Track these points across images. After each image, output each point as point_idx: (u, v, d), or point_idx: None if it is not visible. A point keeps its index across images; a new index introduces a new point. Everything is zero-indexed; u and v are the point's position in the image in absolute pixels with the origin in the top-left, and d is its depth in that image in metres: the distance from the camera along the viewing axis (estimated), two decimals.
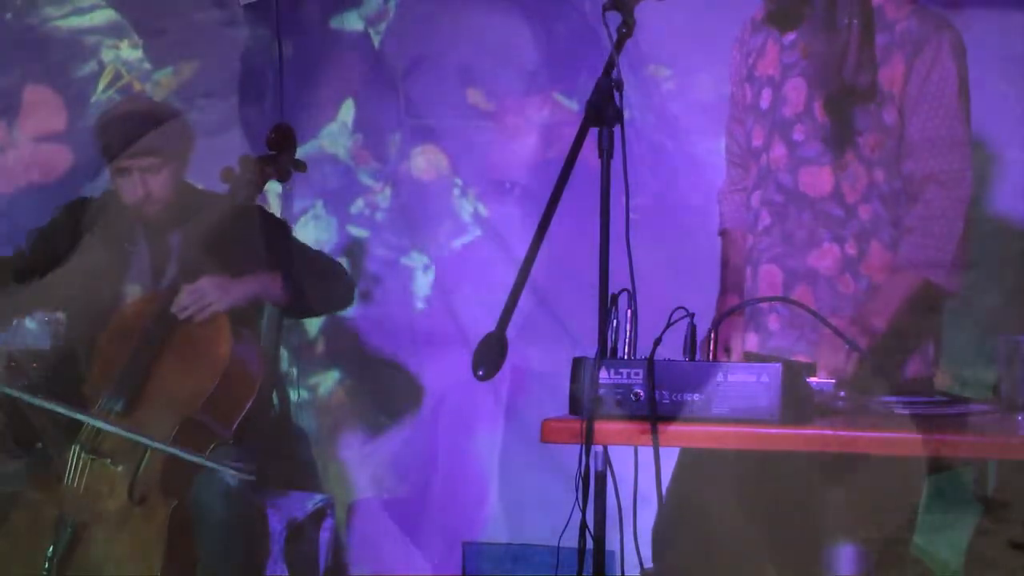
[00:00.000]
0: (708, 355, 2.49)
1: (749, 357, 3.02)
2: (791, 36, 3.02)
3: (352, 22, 4.83)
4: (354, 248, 4.80)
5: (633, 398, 2.25)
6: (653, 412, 2.22)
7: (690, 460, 2.89)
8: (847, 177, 2.93)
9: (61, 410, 3.48)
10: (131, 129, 3.72)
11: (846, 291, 2.95)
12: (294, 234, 4.16)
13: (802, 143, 2.97)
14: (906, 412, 2.52)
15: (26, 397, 3.48)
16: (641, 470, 2.32)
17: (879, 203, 2.93)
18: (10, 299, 3.81)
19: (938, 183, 2.87)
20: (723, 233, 3.26)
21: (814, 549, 2.73)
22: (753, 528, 2.91)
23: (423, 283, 4.76)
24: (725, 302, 3.15)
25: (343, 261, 4.79)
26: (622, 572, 2.44)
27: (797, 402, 2.27)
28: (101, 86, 4.99)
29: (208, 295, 3.64)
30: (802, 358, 2.91)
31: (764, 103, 3.04)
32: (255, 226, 3.91)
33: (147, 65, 4.99)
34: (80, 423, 3.54)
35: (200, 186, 3.95)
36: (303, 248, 4.02)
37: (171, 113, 3.86)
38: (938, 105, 2.87)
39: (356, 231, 4.82)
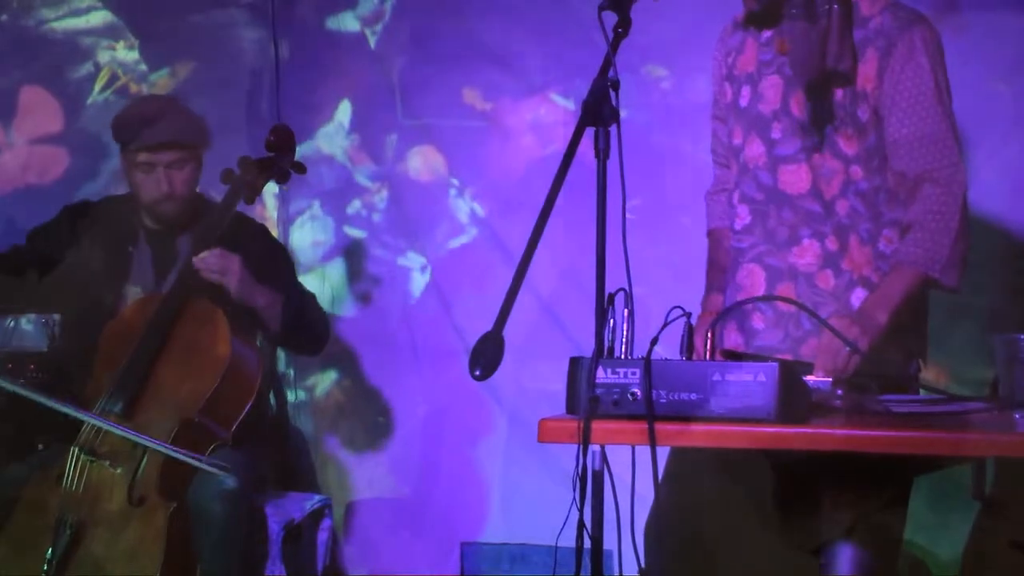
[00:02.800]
0: (705, 355, 2.49)
1: (733, 357, 3.02)
2: (767, 33, 3.02)
3: (348, 23, 4.83)
4: (351, 249, 4.81)
5: (630, 397, 2.24)
6: (650, 411, 2.22)
7: (681, 458, 2.90)
8: (824, 173, 2.94)
9: (68, 410, 3.49)
10: (157, 122, 3.73)
11: (825, 287, 2.95)
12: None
13: (780, 141, 2.98)
14: (903, 410, 2.52)
15: (33, 395, 3.47)
16: (638, 469, 2.32)
17: (856, 199, 2.93)
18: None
19: (932, 181, 2.87)
20: (710, 233, 3.27)
21: (806, 547, 2.73)
22: (743, 526, 2.91)
23: (420, 283, 4.76)
24: (711, 301, 3.16)
25: (340, 262, 4.80)
26: (620, 571, 2.45)
27: (794, 401, 2.27)
28: (97, 87, 4.99)
29: (228, 262, 3.65)
30: (788, 357, 2.91)
31: (743, 101, 3.05)
32: (263, 246, 3.91)
33: (143, 66, 4.99)
34: (79, 425, 3.54)
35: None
36: (300, 283, 4.02)
37: (194, 113, 3.86)
38: (915, 103, 2.87)
39: (353, 232, 4.83)
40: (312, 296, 4.01)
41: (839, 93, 2.91)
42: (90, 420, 3.49)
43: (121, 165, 3.90)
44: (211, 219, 3.78)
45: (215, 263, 3.66)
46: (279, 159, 3.96)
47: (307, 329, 3.91)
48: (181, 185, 3.79)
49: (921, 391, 2.96)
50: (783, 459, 2.56)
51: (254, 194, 3.90)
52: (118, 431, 3.46)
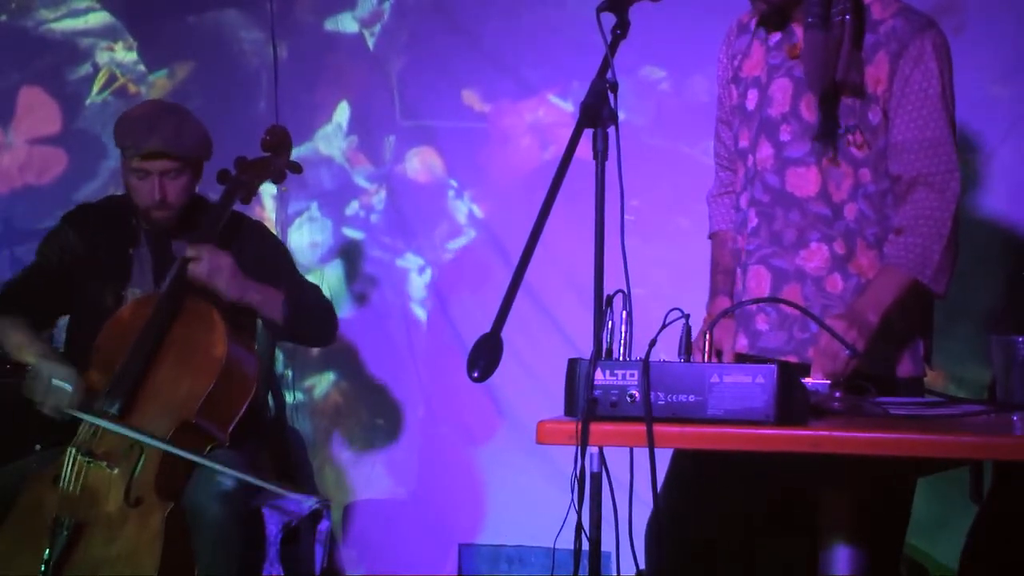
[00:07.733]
0: (703, 356, 2.49)
1: (739, 359, 3.02)
2: (776, 37, 3.01)
3: (347, 24, 4.84)
4: (349, 250, 4.81)
5: (628, 399, 2.24)
6: (648, 413, 2.22)
7: (683, 461, 2.90)
8: (833, 177, 2.93)
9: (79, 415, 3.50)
10: (155, 130, 3.70)
11: (833, 291, 2.94)
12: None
13: (789, 143, 2.97)
14: (901, 412, 2.52)
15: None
16: (636, 471, 2.32)
17: (864, 202, 2.93)
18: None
19: (926, 185, 2.86)
20: (713, 236, 3.26)
21: (806, 549, 2.74)
22: (744, 528, 2.91)
23: (418, 285, 4.76)
24: (716, 305, 3.15)
25: (338, 263, 4.80)
26: (618, 573, 2.45)
27: (792, 403, 2.27)
28: (96, 88, 5.00)
29: (218, 261, 3.64)
30: (792, 359, 2.91)
31: (750, 104, 3.04)
32: (261, 243, 3.90)
33: (142, 67, 5.00)
34: (76, 426, 3.54)
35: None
36: (300, 275, 3.99)
37: (196, 122, 3.83)
38: (921, 106, 2.86)
39: (351, 233, 4.83)
40: (316, 287, 3.98)
41: (850, 98, 2.91)
42: (90, 420, 3.49)
43: (120, 166, 3.89)
44: (208, 220, 3.77)
45: (203, 264, 3.63)
46: (275, 159, 3.95)
47: (312, 320, 3.87)
48: (174, 194, 3.75)
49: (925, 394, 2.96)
50: (782, 461, 2.56)
51: (250, 194, 3.89)
52: (120, 430, 3.46)
